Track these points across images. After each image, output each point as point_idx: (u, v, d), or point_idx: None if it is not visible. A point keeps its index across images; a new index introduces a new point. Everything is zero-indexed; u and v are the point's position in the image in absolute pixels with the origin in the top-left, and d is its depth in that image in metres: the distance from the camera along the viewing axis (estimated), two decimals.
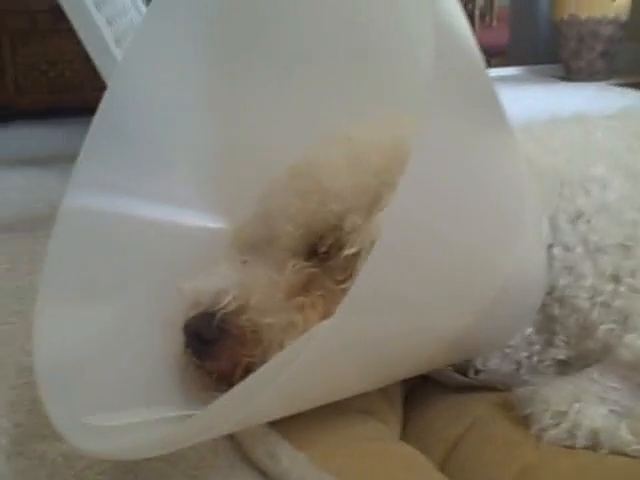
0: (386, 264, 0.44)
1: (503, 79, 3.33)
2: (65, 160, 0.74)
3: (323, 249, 0.64)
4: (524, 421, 0.62)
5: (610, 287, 0.64)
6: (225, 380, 0.59)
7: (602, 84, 3.12)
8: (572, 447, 0.59)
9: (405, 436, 0.67)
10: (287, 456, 0.57)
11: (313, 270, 0.63)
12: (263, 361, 0.56)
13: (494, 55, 4.33)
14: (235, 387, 0.45)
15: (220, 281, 0.63)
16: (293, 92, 0.83)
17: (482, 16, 5.88)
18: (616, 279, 0.64)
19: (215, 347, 0.60)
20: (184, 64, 0.79)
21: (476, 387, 0.70)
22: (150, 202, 0.76)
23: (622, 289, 0.63)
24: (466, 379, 0.70)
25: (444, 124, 0.45)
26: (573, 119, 0.83)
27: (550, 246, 0.67)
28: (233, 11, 0.80)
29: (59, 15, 1.67)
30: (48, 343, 0.62)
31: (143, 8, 1.94)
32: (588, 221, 0.67)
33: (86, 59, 1.63)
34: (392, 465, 0.57)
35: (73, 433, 0.53)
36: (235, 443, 0.61)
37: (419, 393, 0.73)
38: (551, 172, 0.71)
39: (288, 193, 0.66)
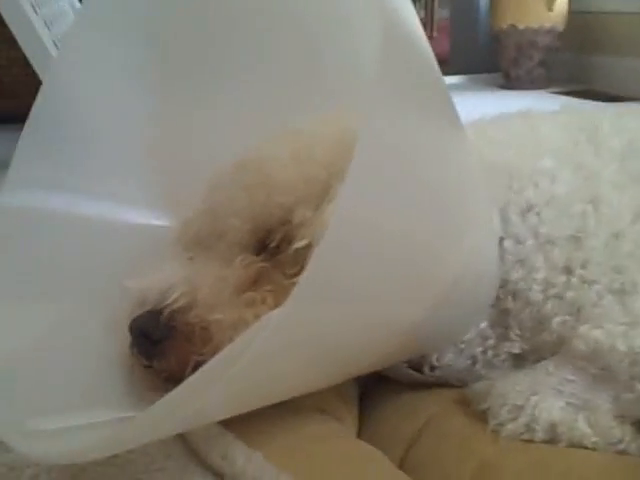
0: (333, 256, 0.43)
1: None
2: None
3: (272, 243, 0.62)
4: (481, 416, 0.61)
5: (562, 279, 0.64)
6: (174, 380, 0.56)
7: (541, 92, 3.20)
8: (530, 441, 0.59)
9: (361, 435, 0.66)
10: (242, 456, 0.54)
11: (263, 265, 0.61)
12: None
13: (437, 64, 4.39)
14: (182, 383, 0.42)
15: (166, 278, 0.61)
16: (240, 89, 0.81)
17: (423, 27, 5.96)
18: (568, 271, 0.64)
19: (163, 346, 0.58)
20: (125, 57, 0.77)
21: (432, 384, 0.68)
22: (90, 200, 0.73)
23: (574, 280, 0.63)
24: (421, 375, 0.69)
25: (389, 116, 0.44)
26: (519, 115, 0.83)
27: (501, 239, 0.66)
28: (178, 4, 0.78)
29: None
30: None
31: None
32: (538, 214, 0.67)
33: (24, 65, 1.59)
34: (350, 463, 0.56)
35: (18, 439, 0.50)
36: (187, 444, 0.58)
37: (374, 391, 0.71)
38: (500, 166, 0.70)
39: (234, 187, 0.64)
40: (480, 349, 0.67)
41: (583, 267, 0.64)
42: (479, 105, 2.70)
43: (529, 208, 0.67)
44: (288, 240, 0.61)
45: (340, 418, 0.64)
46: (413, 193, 0.50)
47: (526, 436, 0.59)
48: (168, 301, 0.58)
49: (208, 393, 0.43)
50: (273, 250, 0.62)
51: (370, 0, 0.61)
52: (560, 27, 3.24)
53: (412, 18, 0.49)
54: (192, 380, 0.42)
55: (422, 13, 6.07)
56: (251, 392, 0.50)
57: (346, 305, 0.48)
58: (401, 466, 0.60)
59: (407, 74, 0.48)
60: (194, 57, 0.80)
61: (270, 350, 0.43)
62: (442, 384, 0.68)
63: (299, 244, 0.59)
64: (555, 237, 0.65)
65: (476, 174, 0.62)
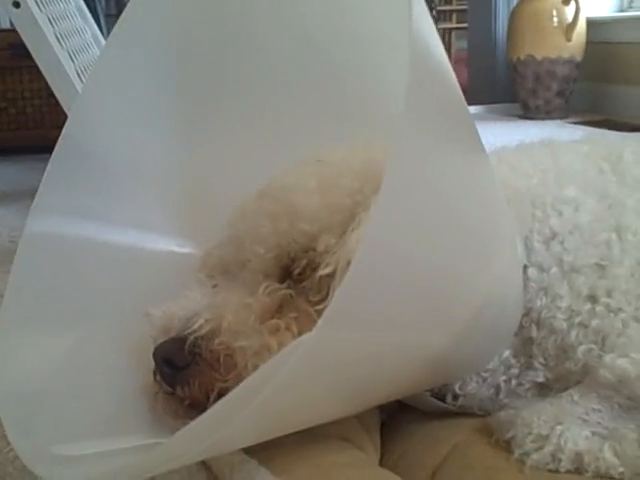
0: (361, 284, 0.43)
1: None
2: (25, 197, 0.72)
3: (297, 270, 0.62)
4: (505, 446, 0.61)
5: (587, 307, 0.63)
6: (198, 407, 0.57)
7: (559, 122, 3.19)
8: (556, 471, 0.58)
9: (383, 464, 0.65)
10: None
11: (287, 292, 0.61)
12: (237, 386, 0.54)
13: None
14: (207, 411, 0.42)
15: (191, 305, 0.61)
16: (264, 117, 0.82)
17: None
18: (593, 299, 0.64)
19: (187, 373, 0.58)
20: (149, 88, 0.78)
21: (454, 413, 0.68)
22: (115, 227, 0.74)
23: (599, 309, 0.63)
24: (444, 404, 0.68)
25: (417, 146, 0.45)
26: (542, 144, 0.83)
27: (525, 267, 0.66)
28: (197, 38, 0.80)
29: (20, 52, 1.65)
30: (10, 373, 0.59)
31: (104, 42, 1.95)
32: (562, 242, 0.67)
33: (47, 96, 1.62)
34: None
35: (41, 465, 0.50)
36: (211, 471, 0.58)
37: (396, 420, 0.71)
38: (524, 194, 0.71)
39: (258, 215, 0.65)
40: (504, 378, 0.66)
41: (608, 295, 0.63)
42: (498, 135, 2.71)
43: (553, 236, 0.67)
44: (312, 267, 0.61)
45: (362, 447, 0.63)
46: (441, 221, 0.50)
47: (551, 466, 0.58)
48: (192, 328, 0.58)
49: (232, 421, 0.43)
50: (297, 277, 0.62)
51: (396, 30, 0.62)
52: (578, 57, 3.24)
53: (438, 48, 0.50)
54: (216, 408, 0.42)
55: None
56: (276, 420, 0.50)
57: (373, 333, 0.48)
58: None
59: (434, 104, 0.48)
60: (217, 85, 0.81)
61: (296, 378, 0.43)
62: (465, 413, 0.68)
63: (323, 271, 0.59)
64: (579, 265, 0.65)
65: (502, 203, 0.62)
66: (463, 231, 0.53)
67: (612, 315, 0.62)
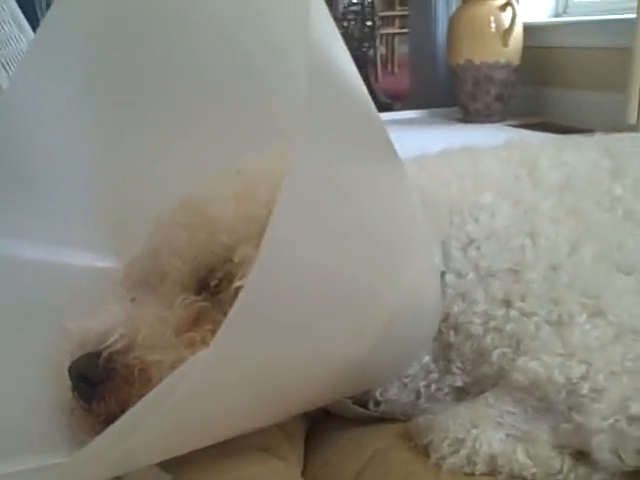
0: (261, 294, 0.43)
1: (406, 122, 3.43)
2: None
3: (214, 282, 0.62)
4: (424, 451, 0.61)
5: (502, 312, 0.64)
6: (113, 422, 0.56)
7: (498, 125, 3.25)
8: (472, 474, 0.59)
9: (307, 472, 0.66)
10: None
11: (203, 304, 0.61)
12: None
13: (397, 99, 4.47)
14: (108, 428, 0.42)
15: (107, 320, 0.60)
16: (189, 130, 0.81)
17: (384, 63, 6.07)
18: (507, 303, 0.65)
19: (102, 388, 0.58)
20: (69, 99, 0.77)
21: (378, 419, 0.69)
22: (33, 243, 0.72)
23: (513, 313, 0.64)
24: (366, 411, 0.69)
25: (316, 153, 0.45)
26: (462, 150, 0.85)
27: (443, 273, 0.67)
28: (122, 45, 0.79)
29: None
30: None
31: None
32: (478, 248, 0.68)
33: None
34: None
35: None
36: None
37: (321, 428, 0.71)
38: (442, 201, 0.72)
39: (175, 227, 0.64)
40: (424, 383, 0.67)
41: (522, 299, 0.64)
42: (438, 138, 2.74)
43: (470, 242, 0.68)
44: (229, 279, 0.61)
45: (284, 457, 0.63)
46: (346, 230, 0.50)
47: (467, 469, 0.59)
48: (107, 343, 0.58)
49: (135, 434, 0.43)
50: (214, 289, 0.62)
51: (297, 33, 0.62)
52: (515, 62, 3.30)
53: (341, 55, 0.50)
54: (119, 423, 0.42)
55: (383, 49, 6.18)
56: (184, 432, 0.50)
57: (278, 343, 0.48)
58: None
59: (335, 111, 0.48)
60: (144, 99, 0.80)
61: (199, 389, 0.43)
62: (388, 419, 0.69)
63: (239, 282, 0.59)
64: (495, 270, 0.66)
65: (416, 210, 0.63)
66: (371, 240, 0.53)
67: (525, 319, 0.63)
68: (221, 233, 0.62)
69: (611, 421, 0.55)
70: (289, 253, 0.45)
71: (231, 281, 0.61)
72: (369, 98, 0.53)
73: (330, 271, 0.50)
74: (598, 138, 0.88)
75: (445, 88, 3.62)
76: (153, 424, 0.43)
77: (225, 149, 0.78)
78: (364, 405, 0.69)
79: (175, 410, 0.42)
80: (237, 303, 0.42)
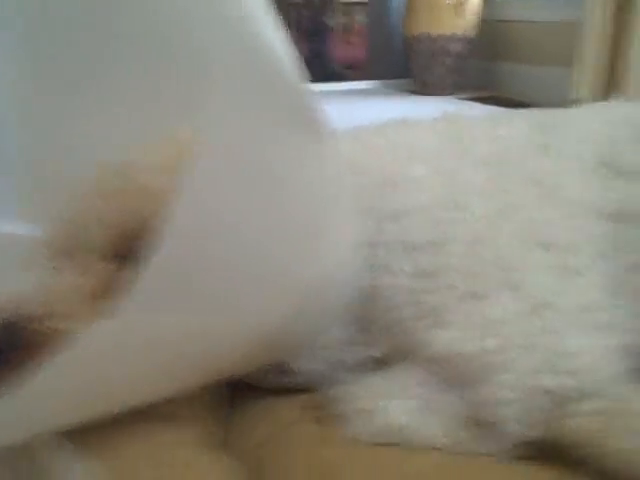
0: (172, 261, 0.43)
1: (360, 92, 3.42)
2: None
3: (133, 250, 0.61)
4: (334, 421, 0.62)
5: (422, 284, 0.65)
6: None
7: (451, 98, 3.26)
8: (382, 445, 0.59)
9: (226, 441, 0.65)
10: (84, 469, 0.53)
11: (119, 272, 0.60)
12: None
13: (353, 69, 4.45)
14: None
15: (23, 289, 0.59)
16: (116, 94, 0.80)
17: (343, 31, 6.02)
18: (428, 276, 0.65)
19: (11, 355, 0.57)
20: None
21: (294, 390, 0.69)
22: None
23: (434, 286, 0.64)
24: (280, 381, 0.69)
25: (225, 120, 0.45)
26: (398, 122, 0.84)
27: (368, 245, 0.67)
28: (46, 12, 0.76)
29: None
30: None
31: None
32: (404, 220, 0.68)
33: None
34: (167, 469, 0.55)
35: None
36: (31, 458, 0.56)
37: (242, 397, 0.71)
38: (372, 172, 0.71)
39: (95, 194, 0.63)
40: (340, 354, 0.67)
41: (444, 273, 0.65)
42: (390, 110, 2.74)
43: (397, 215, 0.68)
44: (148, 247, 0.60)
45: (198, 424, 0.63)
46: (258, 200, 0.50)
47: (377, 440, 0.59)
48: (21, 311, 0.57)
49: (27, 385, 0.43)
50: (133, 257, 0.61)
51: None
52: (471, 34, 3.31)
53: (260, 23, 0.49)
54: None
55: (343, 18, 6.13)
56: (85, 395, 0.49)
57: (188, 311, 0.48)
58: (258, 474, 0.59)
59: (248, 80, 0.48)
60: (81, 58, 0.78)
61: (102, 352, 0.43)
62: (303, 389, 0.68)
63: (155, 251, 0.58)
64: (418, 243, 0.66)
65: (341, 182, 0.62)
66: (285, 212, 0.53)
67: (444, 292, 0.64)
68: (140, 201, 0.61)
69: (519, 393, 0.56)
70: (199, 220, 0.45)
71: (148, 249, 0.60)
72: (289, 65, 0.52)
73: (240, 243, 0.49)
74: (532, 113, 0.88)
75: (400, 59, 3.62)
76: (50, 380, 0.42)
77: (157, 116, 0.76)
78: (280, 375, 0.69)
79: (73, 369, 0.42)
80: (145, 269, 0.41)
